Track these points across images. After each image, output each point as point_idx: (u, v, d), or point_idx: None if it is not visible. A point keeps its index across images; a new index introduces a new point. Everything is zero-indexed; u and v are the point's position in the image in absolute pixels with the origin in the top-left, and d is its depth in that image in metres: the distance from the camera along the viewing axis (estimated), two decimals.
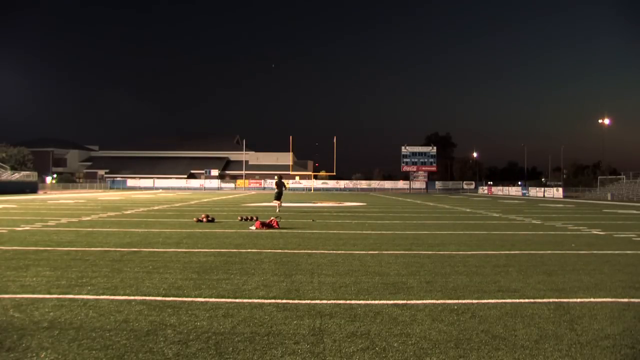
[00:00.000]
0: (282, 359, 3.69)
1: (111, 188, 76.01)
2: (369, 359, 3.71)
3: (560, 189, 52.40)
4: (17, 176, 48.88)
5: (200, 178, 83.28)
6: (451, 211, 23.49)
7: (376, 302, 5.37)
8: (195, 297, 5.49)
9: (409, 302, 5.37)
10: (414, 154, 72.28)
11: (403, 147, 72.23)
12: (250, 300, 5.35)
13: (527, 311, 5.03)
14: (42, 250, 8.95)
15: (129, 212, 20.12)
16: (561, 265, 7.86)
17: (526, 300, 5.50)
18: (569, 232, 13.33)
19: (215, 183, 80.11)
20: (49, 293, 5.59)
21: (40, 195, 40.94)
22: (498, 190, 65.23)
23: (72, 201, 30.06)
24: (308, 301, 5.36)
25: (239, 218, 16.36)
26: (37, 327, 4.32)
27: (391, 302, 5.37)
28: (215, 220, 15.29)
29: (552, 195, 52.01)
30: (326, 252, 9.06)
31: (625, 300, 5.58)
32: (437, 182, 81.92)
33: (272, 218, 14.07)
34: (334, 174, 74.91)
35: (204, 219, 15.17)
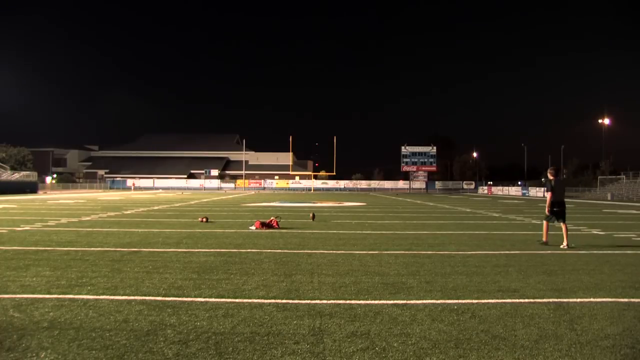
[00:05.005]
0: (282, 359, 3.69)
1: (111, 188, 76.00)
2: (369, 359, 3.70)
3: None
4: (17, 176, 48.90)
5: (200, 178, 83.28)
6: (451, 211, 23.48)
7: (376, 302, 5.37)
8: (195, 297, 5.49)
9: (409, 302, 5.37)
10: (414, 154, 72.22)
11: (403, 147, 72.18)
12: (250, 300, 5.35)
13: (527, 311, 5.03)
14: (42, 250, 8.94)
15: (128, 212, 20.12)
16: (561, 265, 7.86)
17: (526, 300, 5.50)
18: (568, 232, 13.30)
19: (215, 183, 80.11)
20: (49, 293, 5.59)
21: (40, 195, 40.93)
22: (498, 190, 65.21)
23: (72, 201, 30.05)
24: (308, 301, 5.36)
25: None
26: (37, 327, 4.32)
27: (391, 302, 5.36)
28: (216, 222, 15.26)
29: None
30: (326, 252, 9.06)
31: (625, 300, 5.58)
32: (437, 182, 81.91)
33: (272, 218, 14.07)
34: (334, 174, 74.93)
35: (204, 220, 15.20)
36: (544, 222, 10.48)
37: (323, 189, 78.57)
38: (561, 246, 9.92)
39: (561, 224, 10.19)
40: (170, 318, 4.66)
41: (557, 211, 10.18)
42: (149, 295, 5.52)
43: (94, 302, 5.21)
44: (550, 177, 10.34)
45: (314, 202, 32.62)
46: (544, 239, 10.40)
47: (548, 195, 10.33)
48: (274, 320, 4.64)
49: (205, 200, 34.82)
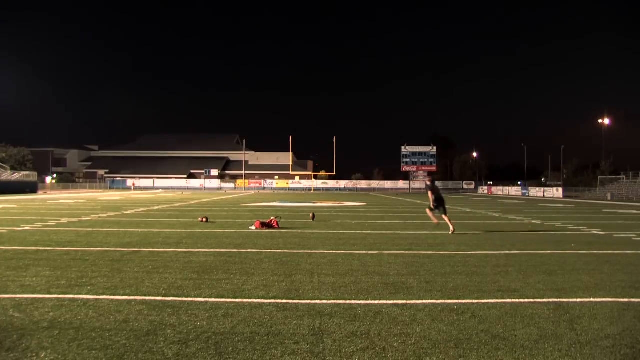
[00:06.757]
0: (282, 359, 3.69)
1: (111, 188, 76.00)
2: (369, 359, 3.70)
3: (560, 189, 52.40)
4: (17, 176, 48.92)
5: (200, 178, 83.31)
6: (451, 211, 23.40)
7: (376, 302, 5.37)
8: (195, 297, 5.49)
9: (409, 302, 5.37)
10: (414, 154, 72.24)
11: (403, 147, 72.19)
12: (250, 300, 5.35)
13: (527, 311, 5.03)
14: (42, 250, 8.94)
15: (128, 212, 20.12)
16: (561, 265, 7.86)
17: (526, 300, 5.50)
18: (568, 232, 13.33)
19: (215, 183, 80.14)
20: (49, 293, 5.59)
21: (40, 195, 40.93)
22: (498, 190, 65.22)
23: (72, 201, 30.05)
24: (308, 301, 5.36)
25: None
26: (37, 327, 4.32)
27: (391, 302, 5.36)
28: (216, 222, 15.26)
29: (552, 195, 52.01)
30: (326, 252, 9.06)
31: (625, 300, 5.58)
32: (437, 182, 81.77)
33: (272, 218, 14.08)
34: (334, 174, 74.89)
35: (204, 221, 15.20)
36: (428, 211, 13.67)
37: (323, 189, 78.57)
38: (450, 233, 12.40)
39: (442, 215, 13.08)
40: (170, 318, 4.66)
41: (438, 205, 13.15)
42: (149, 295, 5.52)
43: (94, 302, 5.21)
44: (428, 183, 14.14)
45: (314, 202, 32.62)
46: (434, 222, 13.58)
47: (430, 194, 13.46)
48: (274, 320, 4.64)
49: (205, 200, 34.81)
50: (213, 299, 5.38)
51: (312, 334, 4.23)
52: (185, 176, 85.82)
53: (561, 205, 31.84)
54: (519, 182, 72.56)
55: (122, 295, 5.54)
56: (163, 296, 5.50)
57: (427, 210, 13.84)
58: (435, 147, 73.34)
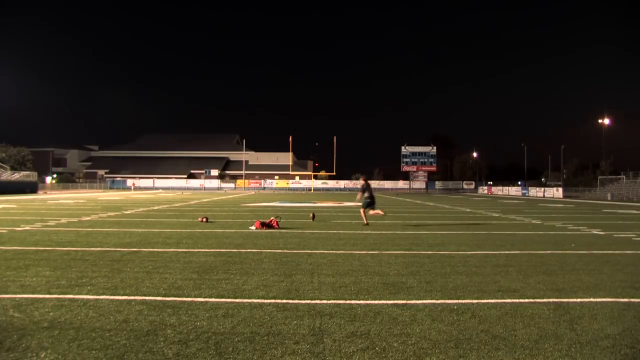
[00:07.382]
0: (282, 359, 3.69)
1: (111, 188, 76.01)
2: (369, 359, 3.70)
3: (560, 189, 52.41)
4: (17, 176, 48.92)
5: (200, 178, 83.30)
6: (451, 211, 23.47)
7: (376, 302, 5.37)
8: (195, 297, 5.49)
9: (409, 302, 5.37)
10: (414, 154, 72.26)
11: (403, 147, 72.20)
12: (250, 300, 5.35)
13: (527, 311, 5.03)
14: (42, 250, 8.94)
15: (128, 212, 20.12)
16: (561, 265, 7.86)
17: (526, 300, 5.50)
18: (568, 232, 13.32)
19: (215, 183, 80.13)
20: (49, 293, 5.59)
21: (40, 195, 40.93)
22: (498, 190, 65.23)
23: (72, 201, 30.05)
24: (308, 301, 5.36)
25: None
26: (37, 327, 4.32)
27: (391, 302, 5.36)
28: (216, 221, 15.25)
29: (552, 195, 52.01)
30: (326, 252, 9.06)
31: (625, 300, 5.58)
32: (437, 182, 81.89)
33: (272, 218, 14.08)
34: (334, 174, 74.87)
35: (204, 220, 15.20)
36: (362, 210, 14.86)
37: (323, 189, 78.55)
38: (363, 224, 14.37)
39: (370, 210, 14.70)
40: (170, 318, 4.66)
41: (371, 202, 14.64)
42: (149, 295, 5.52)
43: (94, 302, 5.21)
44: (362, 182, 15.39)
45: (314, 202, 32.62)
46: (365, 221, 14.58)
47: (359, 193, 15.18)
48: (274, 320, 4.64)
49: (205, 200, 34.81)
50: (213, 299, 5.38)
51: (312, 334, 4.23)
52: (185, 176, 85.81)
53: (561, 205, 31.84)
54: (519, 182, 72.55)
55: (122, 295, 5.54)
56: (163, 296, 5.50)
57: (362, 211, 14.82)
58: (435, 147, 73.35)
